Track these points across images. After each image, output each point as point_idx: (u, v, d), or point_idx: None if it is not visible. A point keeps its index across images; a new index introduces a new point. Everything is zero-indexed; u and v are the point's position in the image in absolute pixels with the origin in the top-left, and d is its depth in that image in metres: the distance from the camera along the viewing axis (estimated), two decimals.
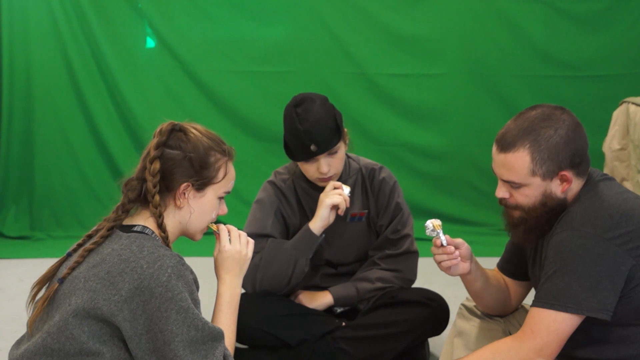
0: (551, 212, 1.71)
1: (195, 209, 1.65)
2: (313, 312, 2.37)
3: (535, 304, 1.67)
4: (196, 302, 1.52)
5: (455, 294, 2.88)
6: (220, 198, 1.69)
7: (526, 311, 1.97)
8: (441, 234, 1.87)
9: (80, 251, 1.58)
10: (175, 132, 1.65)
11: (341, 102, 4.11)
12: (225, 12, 4.66)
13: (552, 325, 1.62)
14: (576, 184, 1.72)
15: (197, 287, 1.56)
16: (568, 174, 1.68)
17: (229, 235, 1.74)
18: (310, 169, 2.32)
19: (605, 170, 3.54)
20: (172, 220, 1.64)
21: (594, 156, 4.43)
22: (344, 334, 2.30)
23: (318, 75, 4.64)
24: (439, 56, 4.68)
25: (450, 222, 4.51)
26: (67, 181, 4.66)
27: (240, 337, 2.39)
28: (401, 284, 2.43)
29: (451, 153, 4.73)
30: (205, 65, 4.68)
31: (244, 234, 1.77)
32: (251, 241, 1.77)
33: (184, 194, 1.63)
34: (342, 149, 2.32)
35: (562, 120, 1.68)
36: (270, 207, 2.42)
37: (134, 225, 1.60)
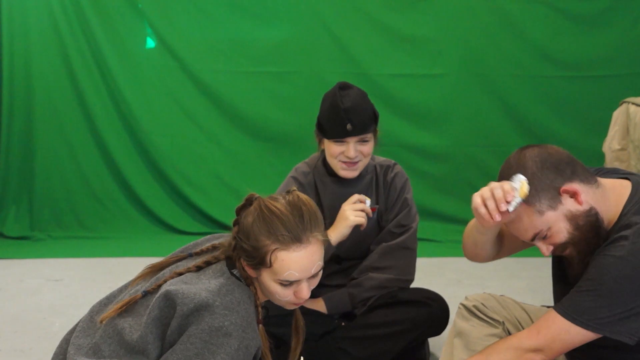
0: (591, 228, 1.64)
1: (260, 284, 1.63)
2: (313, 312, 2.36)
3: (557, 308, 1.63)
4: None
5: (455, 294, 2.88)
6: (283, 284, 1.59)
7: (529, 314, 1.96)
8: (517, 200, 1.60)
9: (174, 271, 1.65)
10: (247, 207, 1.63)
11: None
12: (225, 12, 4.66)
13: (562, 334, 1.60)
14: (587, 188, 1.64)
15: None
16: (568, 187, 1.63)
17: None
18: (337, 150, 2.32)
19: None
20: (258, 282, 1.64)
21: (594, 156, 4.39)
22: (344, 334, 2.30)
23: (318, 75, 4.63)
24: (439, 56, 4.67)
25: (450, 222, 4.49)
26: (67, 181, 4.65)
27: None
28: (399, 286, 2.42)
29: (451, 153, 4.72)
30: (205, 65, 4.68)
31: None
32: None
33: (244, 268, 1.62)
34: (371, 142, 2.34)
35: (524, 155, 1.66)
36: None
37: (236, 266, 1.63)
